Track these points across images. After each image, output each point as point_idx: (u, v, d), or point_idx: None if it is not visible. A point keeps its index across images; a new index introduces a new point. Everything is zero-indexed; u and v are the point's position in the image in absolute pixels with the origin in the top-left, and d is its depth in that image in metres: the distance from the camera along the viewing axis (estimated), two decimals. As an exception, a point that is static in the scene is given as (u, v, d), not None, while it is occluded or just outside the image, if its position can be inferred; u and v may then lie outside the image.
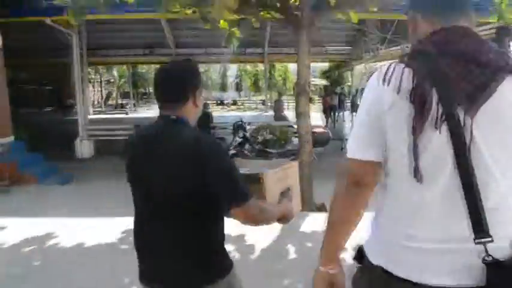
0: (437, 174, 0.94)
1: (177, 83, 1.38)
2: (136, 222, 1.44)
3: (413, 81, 0.94)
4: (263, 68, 33.56)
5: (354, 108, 15.09)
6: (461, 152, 0.91)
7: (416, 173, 0.94)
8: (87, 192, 6.53)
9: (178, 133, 1.32)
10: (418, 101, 0.92)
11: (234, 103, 31.58)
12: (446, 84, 0.92)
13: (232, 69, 38.48)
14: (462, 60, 0.94)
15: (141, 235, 1.42)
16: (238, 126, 8.40)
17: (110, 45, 20.30)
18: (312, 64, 6.59)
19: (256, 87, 35.55)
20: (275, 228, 3.64)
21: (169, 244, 1.33)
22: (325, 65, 31.76)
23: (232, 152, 7.30)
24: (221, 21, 5.12)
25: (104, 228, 4.32)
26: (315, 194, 5.13)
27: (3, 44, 7.41)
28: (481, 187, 0.92)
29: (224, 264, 1.39)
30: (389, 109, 0.96)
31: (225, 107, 30.15)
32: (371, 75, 1.04)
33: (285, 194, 1.61)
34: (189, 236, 1.32)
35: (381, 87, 0.97)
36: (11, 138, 7.52)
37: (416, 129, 0.92)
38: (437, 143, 0.93)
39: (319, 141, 7.35)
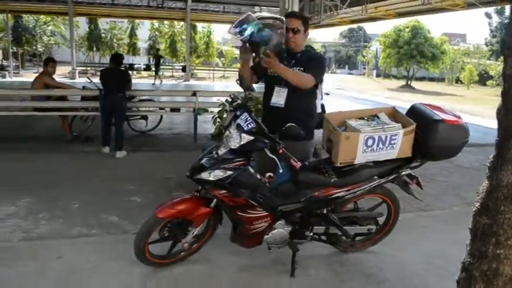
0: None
1: None
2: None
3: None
4: (180, 29, 29.14)
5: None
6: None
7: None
8: None
9: None
10: None
11: (147, 68, 27.30)
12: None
13: (144, 29, 33.48)
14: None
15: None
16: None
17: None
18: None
19: (172, 51, 31.40)
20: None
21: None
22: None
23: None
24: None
25: None
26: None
27: None
28: None
29: None
30: None
31: (135, 73, 25.89)
32: None
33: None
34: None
35: None
36: None
37: None
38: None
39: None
